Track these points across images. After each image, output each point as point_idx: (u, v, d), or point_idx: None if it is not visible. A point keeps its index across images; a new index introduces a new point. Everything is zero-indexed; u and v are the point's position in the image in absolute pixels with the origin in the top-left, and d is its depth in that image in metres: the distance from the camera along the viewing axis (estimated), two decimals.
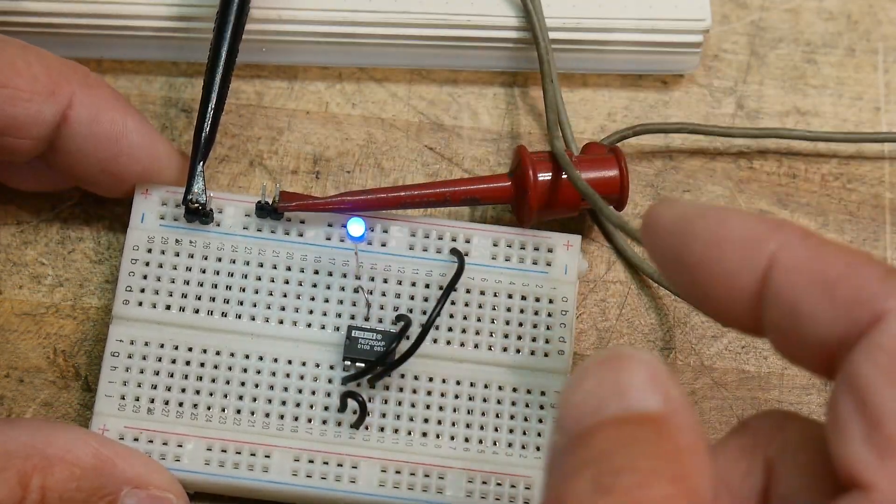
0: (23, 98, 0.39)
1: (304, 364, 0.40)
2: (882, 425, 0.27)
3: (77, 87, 0.40)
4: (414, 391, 0.40)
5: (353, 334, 0.40)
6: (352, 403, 0.39)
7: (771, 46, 0.48)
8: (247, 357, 0.40)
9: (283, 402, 0.40)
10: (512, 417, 0.40)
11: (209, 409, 0.40)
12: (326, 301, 0.41)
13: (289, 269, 0.42)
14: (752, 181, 0.46)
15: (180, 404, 0.40)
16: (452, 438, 0.40)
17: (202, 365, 0.40)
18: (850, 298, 0.29)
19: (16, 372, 0.42)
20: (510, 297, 0.42)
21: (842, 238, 0.45)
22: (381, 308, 0.41)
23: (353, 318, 0.41)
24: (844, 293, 0.29)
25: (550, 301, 0.41)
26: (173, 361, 0.40)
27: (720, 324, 0.32)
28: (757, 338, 0.34)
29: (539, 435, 0.40)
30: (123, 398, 0.40)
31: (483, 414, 0.40)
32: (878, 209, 0.45)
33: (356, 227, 0.40)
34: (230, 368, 0.40)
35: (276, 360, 0.40)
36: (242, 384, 0.40)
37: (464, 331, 0.41)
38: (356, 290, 0.41)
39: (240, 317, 0.41)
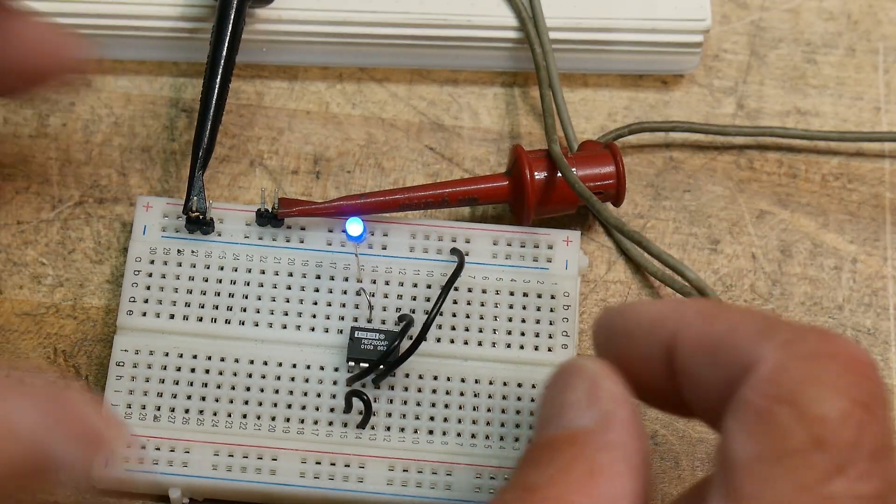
0: None
1: (308, 367, 0.40)
2: (737, 488, 0.27)
3: None
4: (419, 390, 0.40)
5: (355, 335, 0.40)
6: (357, 404, 0.39)
7: (771, 46, 0.48)
8: (251, 362, 0.40)
9: (289, 405, 0.40)
10: (518, 412, 0.40)
11: (215, 414, 0.40)
12: (329, 304, 0.41)
13: (290, 274, 0.42)
14: (752, 181, 0.46)
15: (186, 411, 0.40)
16: (459, 435, 0.40)
17: (207, 371, 0.40)
18: (727, 358, 0.29)
19: (16, 372, 0.42)
20: (512, 294, 0.42)
21: (841, 238, 0.45)
22: (384, 310, 0.41)
23: (355, 320, 0.41)
24: (723, 354, 0.29)
25: (552, 297, 0.42)
26: (178, 369, 0.40)
27: (652, 408, 0.33)
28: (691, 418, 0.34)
29: None
30: (129, 407, 0.40)
31: (489, 410, 0.40)
32: (878, 209, 0.45)
33: (354, 226, 0.40)
34: (235, 374, 0.40)
35: (280, 365, 0.40)
36: (248, 389, 0.40)
37: (467, 329, 0.41)
38: (358, 293, 0.41)
39: (243, 323, 0.41)
